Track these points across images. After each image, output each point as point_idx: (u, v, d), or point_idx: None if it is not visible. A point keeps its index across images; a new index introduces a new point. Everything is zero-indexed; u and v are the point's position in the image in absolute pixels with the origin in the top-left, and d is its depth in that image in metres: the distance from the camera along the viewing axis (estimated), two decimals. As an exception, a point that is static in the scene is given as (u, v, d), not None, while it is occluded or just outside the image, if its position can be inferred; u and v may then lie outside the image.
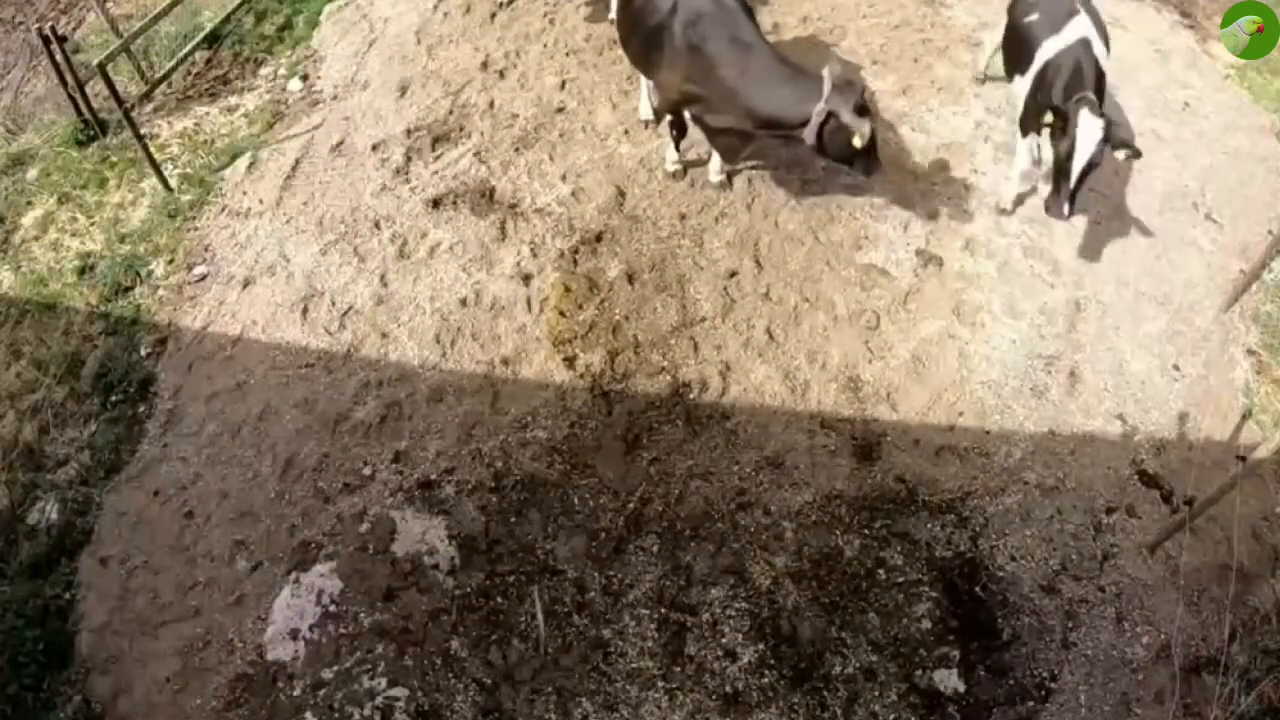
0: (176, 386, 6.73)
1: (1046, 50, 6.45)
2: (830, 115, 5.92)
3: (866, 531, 5.82)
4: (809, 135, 6.05)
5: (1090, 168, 6.08)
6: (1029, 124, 6.61)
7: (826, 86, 5.91)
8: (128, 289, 7.32)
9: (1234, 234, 7.18)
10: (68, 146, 8.31)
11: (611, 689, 5.34)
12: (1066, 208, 6.23)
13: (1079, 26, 6.39)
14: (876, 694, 5.27)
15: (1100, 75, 6.30)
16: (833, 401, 6.34)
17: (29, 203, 8.03)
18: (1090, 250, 6.98)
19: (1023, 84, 6.73)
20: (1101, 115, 6.01)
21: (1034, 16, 6.69)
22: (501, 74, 8.45)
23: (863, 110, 5.92)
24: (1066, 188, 6.17)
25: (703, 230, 7.19)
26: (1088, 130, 5.95)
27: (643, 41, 6.64)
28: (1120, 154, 6.10)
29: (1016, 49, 6.90)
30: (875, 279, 6.88)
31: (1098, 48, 6.36)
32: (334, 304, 7.01)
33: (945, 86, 8.06)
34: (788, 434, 6.22)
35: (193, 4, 9.20)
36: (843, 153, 6.11)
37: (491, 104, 8.19)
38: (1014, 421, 6.22)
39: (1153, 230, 7.14)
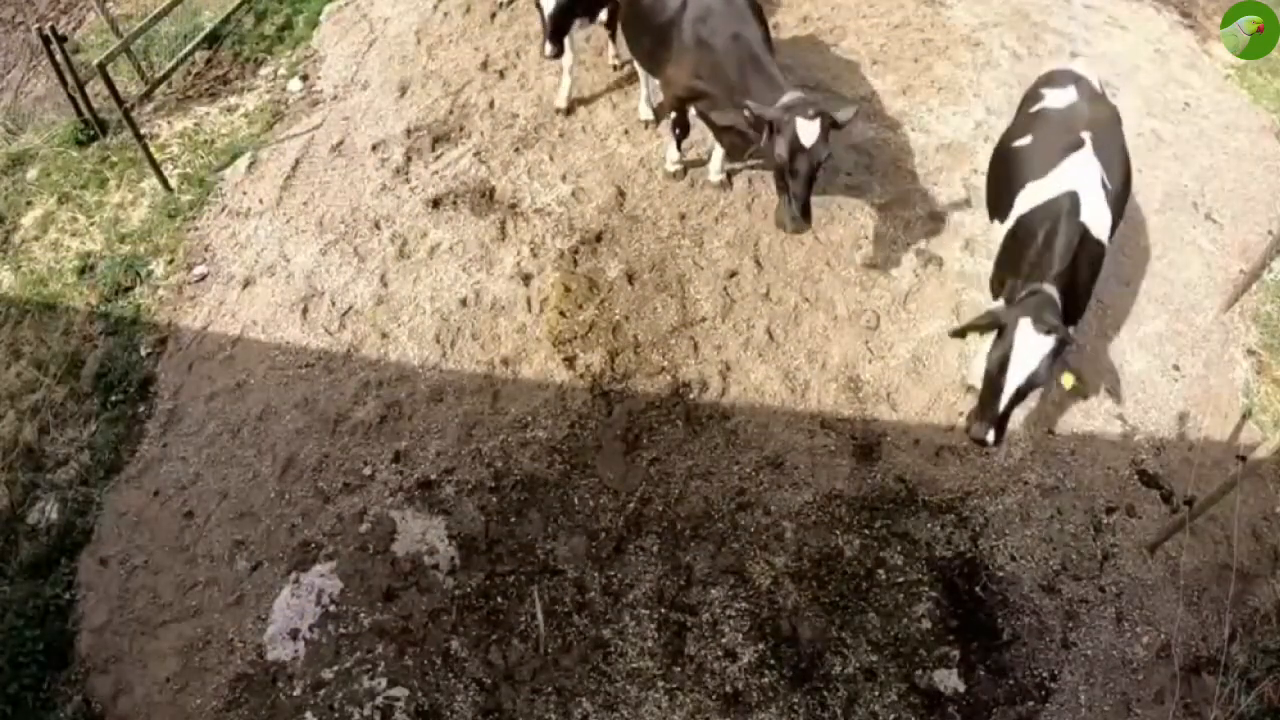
0: (176, 386, 6.73)
1: (1026, 199, 5.05)
2: (770, 124, 5.77)
3: (866, 531, 5.82)
4: (764, 139, 5.94)
5: (1028, 389, 4.78)
6: (994, 286, 5.19)
7: (786, 98, 5.85)
8: (128, 289, 7.32)
9: (1234, 234, 7.18)
10: (68, 146, 8.31)
11: (611, 689, 5.34)
12: (991, 433, 4.87)
13: (1073, 171, 5.05)
14: (876, 694, 5.27)
15: (1084, 246, 4.89)
16: (833, 401, 6.34)
17: (29, 203, 8.03)
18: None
19: (999, 232, 5.39)
20: (1051, 328, 4.62)
21: (1024, 141, 5.32)
22: (501, 74, 8.45)
23: (784, 128, 5.63)
24: (993, 408, 4.83)
25: (703, 230, 7.20)
26: (1028, 347, 4.63)
27: (652, 39, 6.66)
28: (1067, 382, 4.79)
29: (995, 183, 5.60)
30: (875, 279, 6.88)
31: (1095, 208, 4.98)
32: (334, 304, 7.01)
33: (945, 86, 8.06)
34: (788, 434, 6.22)
35: (193, 4, 9.21)
36: (775, 164, 5.90)
37: (491, 104, 8.19)
38: (1014, 421, 6.21)
39: (1153, 230, 7.14)
